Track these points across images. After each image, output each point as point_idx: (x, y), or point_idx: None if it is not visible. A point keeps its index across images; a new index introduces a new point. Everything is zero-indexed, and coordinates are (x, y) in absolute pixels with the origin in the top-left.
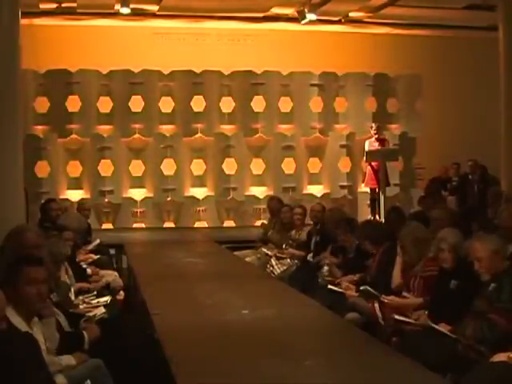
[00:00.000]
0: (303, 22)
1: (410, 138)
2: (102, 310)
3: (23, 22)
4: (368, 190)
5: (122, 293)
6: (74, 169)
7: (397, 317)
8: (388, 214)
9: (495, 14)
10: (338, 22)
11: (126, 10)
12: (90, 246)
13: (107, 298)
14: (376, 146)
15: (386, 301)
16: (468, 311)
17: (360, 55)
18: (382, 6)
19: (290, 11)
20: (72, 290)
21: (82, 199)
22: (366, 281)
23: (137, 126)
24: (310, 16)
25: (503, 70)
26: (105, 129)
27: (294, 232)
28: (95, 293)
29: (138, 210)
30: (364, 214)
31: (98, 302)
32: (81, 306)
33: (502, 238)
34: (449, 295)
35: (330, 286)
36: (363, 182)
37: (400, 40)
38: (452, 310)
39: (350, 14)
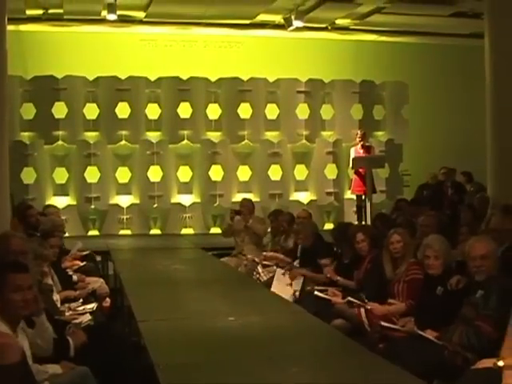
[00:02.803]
0: (290, 29)
1: (396, 144)
2: (88, 316)
3: (9, 28)
4: (354, 196)
5: (108, 299)
6: (61, 175)
7: (383, 323)
8: (374, 221)
9: (481, 22)
10: (325, 29)
11: (112, 17)
12: (74, 250)
13: (93, 305)
14: (361, 152)
15: (369, 307)
16: (454, 318)
17: (346, 62)
18: (368, 13)
19: (276, 18)
20: (57, 296)
21: (49, 205)
22: (353, 288)
23: (123, 132)
24: (297, 23)
25: (489, 77)
26: (91, 135)
27: (282, 238)
28: (81, 300)
29: (125, 217)
30: (350, 221)
31: (83, 309)
32: (67, 313)
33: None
34: (435, 302)
35: (316, 293)
36: (350, 188)
37: (386, 47)
38: (438, 316)
39: (337, 22)
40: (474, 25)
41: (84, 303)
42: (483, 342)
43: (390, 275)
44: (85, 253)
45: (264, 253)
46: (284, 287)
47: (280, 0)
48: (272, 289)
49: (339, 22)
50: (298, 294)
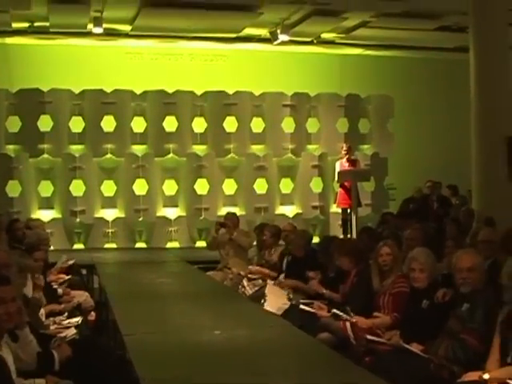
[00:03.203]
0: (276, 42)
1: (381, 158)
2: (73, 330)
3: None
4: (340, 210)
5: (93, 313)
6: (46, 188)
7: (369, 337)
8: (360, 235)
9: (466, 36)
10: (310, 43)
11: (98, 30)
12: (59, 264)
13: (78, 319)
14: (347, 166)
15: (354, 321)
16: (440, 331)
17: (332, 76)
18: (353, 27)
19: (262, 32)
20: (42, 310)
21: (32, 218)
22: (339, 301)
23: (109, 145)
24: (283, 37)
25: (474, 90)
26: (77, 148)
27: (266, 252)
28: (66, 313)
29: (110, 230)
30: (336, 234)
31: (69, 323)
32: (52, 327)
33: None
34: (421, 315)
35: (301, 306)
36: (335, 202)
37: (372, 61)
38: (424, 329)
39: (322, 35)
40: (458, 39)
41: (69, 317)
42: (469, 355)
43: (377, 287)
44: (70, 262)
45: (250, 266)
46: (278, 297)
47: (266, 14)
48: (267, 305)
49: (325, 35)
50: (291, 295)
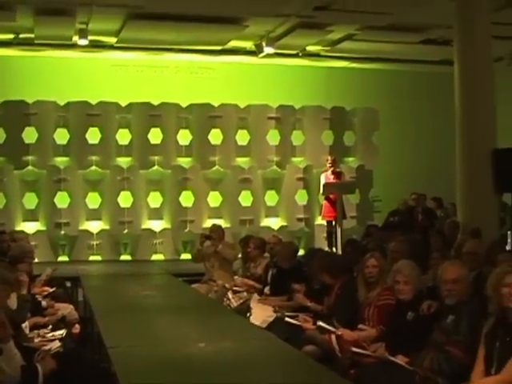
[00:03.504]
0: (261, 55)
1: (366, 170)
2: (58, 343)
3: None
4: (325, 222)
5: (77, 326)
6: (30, 200)
7: (354, 349)
8: (345, 247)
9: (451, 49)
10: (296, 56)
11: (84, 42)
12: (43, 277)
13: (62, 332)
14: (332, 178)
15: (340, 333)
16: (425, 343)
17: (317, 88)
18: (339, 40)
19: (247, 44)
20: (26, 322)
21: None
22: (324, 313)
23: (94, 157)
24: (268, 49)
25: (458, 103)
26: (61, 160)
27: (252, 264)
28: (50, 326)
29: (95, 243)
30: (321, 247)
31: (53, 336)
32: (36, 340)
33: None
34: (406, 327)
35: (287, 319)
36: (320, 214)
37: (357, 74)
38: (409, 341)
39: (308, 48)
40: (443, 52)
41: (53, 330)
42: (454, 366)
43: (363, 299)
44: (49, 270)
45: (236, 277)
46: (263, 310)
47: (251, 26)
48: (252, 318)
49: (310, 48)
50: (277, 308)
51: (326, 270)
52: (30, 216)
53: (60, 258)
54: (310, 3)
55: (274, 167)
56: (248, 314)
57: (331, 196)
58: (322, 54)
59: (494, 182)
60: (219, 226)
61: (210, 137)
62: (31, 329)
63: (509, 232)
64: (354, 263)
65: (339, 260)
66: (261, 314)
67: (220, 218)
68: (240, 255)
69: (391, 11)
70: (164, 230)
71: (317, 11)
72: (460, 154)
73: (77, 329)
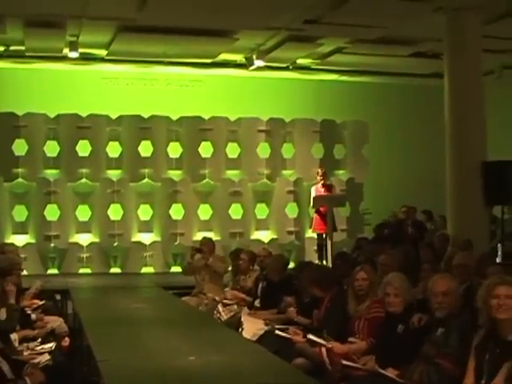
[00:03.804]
0: (251, 68)
1: (356, 183)
2: (47, 356)
3: None
4: (315, 235)
5: (67, 339)
6: (20, 213)
7: (344, 362)
8: (335, 260)
9: (440, 62)
10: (286, 69)
11: (74, 55)
12: (32, 289)
13: (52, 345)
14: (322, 191)
15: (330, 346)
16: (416, 356)
17: (307, 101)
18: (329, 53)
19: (238, 57)
20: (15, 335)
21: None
22: (314, 326)
23: (84, 170)
24: (258, 62)
25: (448, 116)
26: (51, 173)
27: (242, 277)
28: (40, 339)
29: (85, 255)
30: (311, 260)
31: (42, 349)
32: (25, 353)
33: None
34: (396, 340)
35: (277, 332)
36: (311, 227)
37: (347, 87)
38: (399, 354)
39: (298, 61)
40: (433, 65)
41: (42, 342)
42: (444, 379)
43: (353, 312)
44: (38, 283)
45: (226, 289)
46: (254, 323)
47: (241, 40)
48: (245, 333)
49: (300, 61)
50: (267, 320)
51: (316, 282)
52: (20, 229)
53: (50, 271)
54: (300, 16)
55: (265, 180)
56: (240, 330)
57: (321, 209)
58: (312, 67)
59: (484, 194)
60: (209, 239)
61: (200, 149)
62: (20, 342)
63: (499, 245)
64: (344, 276)
65: (329, 273)
66: (251, 327)
67: (210, 230)
68: (230, 268)
69: (381, 24)
70: (154, 242)
71: (307, 24)
72: (450, 167)
73: (66, 342)
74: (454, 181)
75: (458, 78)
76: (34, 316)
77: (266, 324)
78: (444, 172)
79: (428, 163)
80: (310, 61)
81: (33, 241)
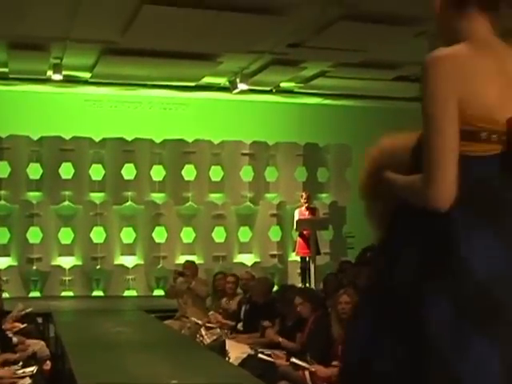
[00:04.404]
0: (235, 91)
1: (340, 207)
2: (28, 380)
3: None
4: (299, 258)
5: (48, 362)
6: (2, 235)
7: None
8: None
9: None
10: (269, 92)
11: (58, 77)
12: (14, 312)
13: (33, 368)
14: (306, 214)
15: (313, 369)
16: None
17: (291, 125)
18: (312, 76)
19: (221, 81)
20: None
21: None
22: (297, 349)
23: (67, 193)
24: (242, 86)
25: None
26: (34, 195)
27: (224, 300)
28: (21, 363)
29: (67, 278)
30: (295, 283)
31: (23, 372)
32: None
33: None
34: None
35: (260, 355)
36: (294, 250)
37: (330, 110)
38: None
39: (281, 84)
40: (416, 88)
41: (24, 366)
42: None
43: (336, 336)
44: (28, 310)
45: (211, 312)
46: (238, 348)
47: (225, 63)
48: (232, 359)
49: (284, 85)
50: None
51: (309, 299)
52: (2, 251)
53: (32, 294)
54: (284, 40)
55: (248, 203)
56: (226, 358)
57: (305, 232)
58: (296, 90)
59: None
60: (192, 263)
61: (183, 172)
62: (1, 365)
63: None
64: (326, 299)
65: (315, 293)
66: (235, 351)
67: (193, 254)
68: (212, 291)
69: (364, 48)
70: (137, 265)
71: (290, 48)
72: None
73: (48, 365)
74: None
75: None
76: (15, 339)
77: (251, 348)
78: None
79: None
80: (293, 84)
81: (15, 263)
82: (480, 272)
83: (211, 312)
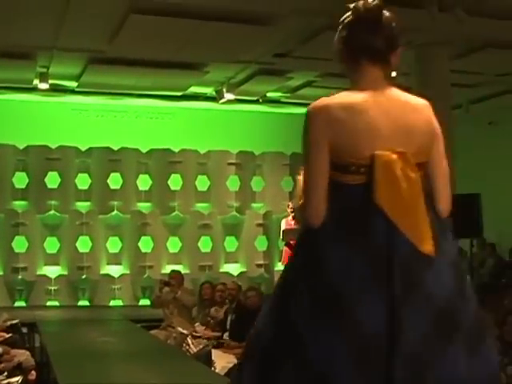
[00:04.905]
0: (221, 101)
1: None
2: None
3: None
4: None
5: (33, 372)
6: None
7: None
8: None
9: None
10: (256, 102)
11: (44, 86)
12: None
13: (18, 378)
14: (292, 224)
15: None
16: None
17: (277, 135)
18: (299, 86)
19: (208, 90)
20: None
21: None
22: None
23: (52, 202)
24: (228, 95)
25: None
26: (20, 204)
27: (214, 309)
28: (6, 373)
29: (52, 288)
30: None
31: (8, 383)
32: None
33: None
34: None
35: None
36: (280, 260)
37: None
38: None
39: (268, 94)
40: None
41: (9, 376)
42: None
43: None
44: (14, 321)
45: (196, 324)
46: (225, 357)
47: (212, 73)
48: (218, 369)
49: (270, 94)
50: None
51: None
52: None
53: (17, 303)
54: (270, 50)
55: (234, 213)
56: (212, 368)
57: (291, 242)
58: (282, 100)
59: (452, 227)
60: (178, 272)
61: (169, 182)
62: None
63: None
64: None
65: None
66: (221, 361)
67: (179, 263)
68: (198, 301)
69: None
70: (123, 275)
71: (277, 58)
72: None
73: (33, 375)
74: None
75: None
76: (0, 349)
77: (237, 358)
78: None
79: None
80: (279, 94)
81: (0, 273)
82: (330, 271)
83: (197, 324)
